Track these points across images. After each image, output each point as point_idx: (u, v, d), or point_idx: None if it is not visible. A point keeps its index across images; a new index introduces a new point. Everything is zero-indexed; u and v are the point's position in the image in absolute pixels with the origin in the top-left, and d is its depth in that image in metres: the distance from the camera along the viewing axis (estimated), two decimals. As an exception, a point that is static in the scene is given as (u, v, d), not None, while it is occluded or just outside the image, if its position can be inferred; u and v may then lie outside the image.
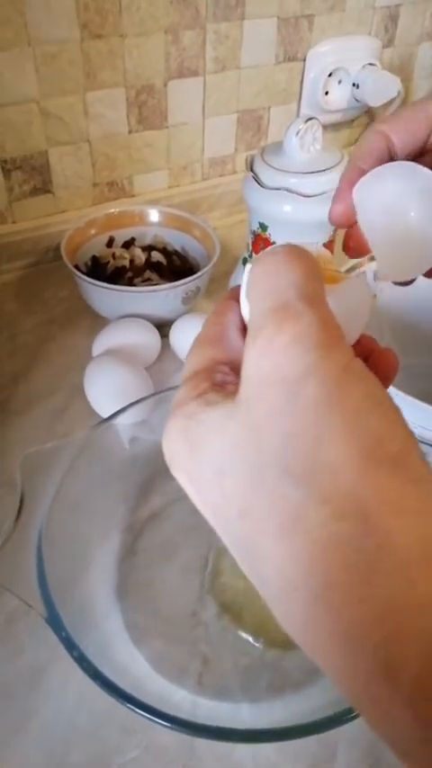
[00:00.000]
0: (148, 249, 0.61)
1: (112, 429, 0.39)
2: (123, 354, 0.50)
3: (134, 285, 0.60)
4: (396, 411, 0.16)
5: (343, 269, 0.49)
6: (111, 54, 0.57)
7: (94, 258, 0.59)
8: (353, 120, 0.78)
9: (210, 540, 0.40)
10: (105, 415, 0.42)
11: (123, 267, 0.61)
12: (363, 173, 0.24)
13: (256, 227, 0.54)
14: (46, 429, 0.48)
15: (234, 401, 0.16)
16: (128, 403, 0.39)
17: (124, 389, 0.46)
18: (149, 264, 0.62)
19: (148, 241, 0.61)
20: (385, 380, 0.20)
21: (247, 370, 0.16)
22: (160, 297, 0.53)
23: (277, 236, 0.53)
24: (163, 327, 0.53)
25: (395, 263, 0.24)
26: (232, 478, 0.16)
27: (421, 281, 0.26)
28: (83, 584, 0.35)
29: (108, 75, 0.58)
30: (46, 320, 0.58)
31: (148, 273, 0.62)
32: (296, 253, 0.18)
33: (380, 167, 0.24)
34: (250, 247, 0.56)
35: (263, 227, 0.53)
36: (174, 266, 0.61)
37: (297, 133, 0.49)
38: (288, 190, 0.50)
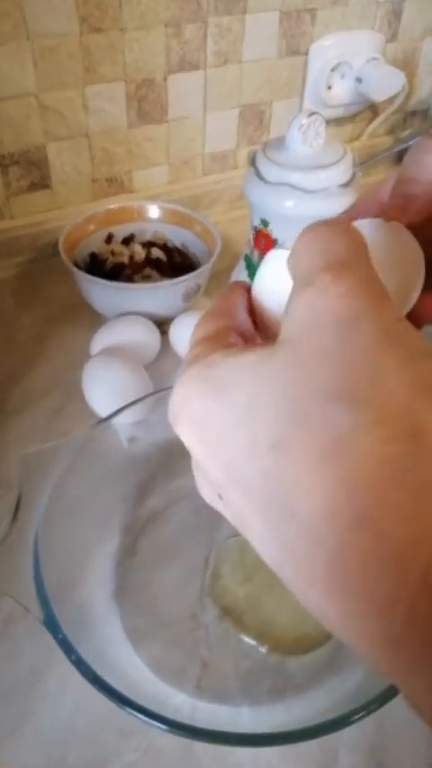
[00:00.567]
0: (148, 245, 0.61)
1: (110, 429, 0.38)
2: (122, 353, 0.49)
3: (133, 282, 0.59)
4: None
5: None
6: (111, 48, 0.57)
7: (93, 255, 0.58)
8: (356, 115, 0.77)
9: (210, 541, 0.39)
10: (104, 414, 0.42)
11: (122, 264, 0.60)
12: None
13: (257, 222, 0.53)
14: (43, 428, 0.48)
15: (267, 348, 0.17)
16: (127, 402, 0.39)
17: (123, 389, 0.45)
18: (149, 261, 0.61)
19: (147, 237, 0.61)
20: None
21: (294, 316, 0.17)
22: (160, 294, 0.52)
23: (279, 232, 0.52)
24: (163, 325, 0.53)
25: None
26: (264, 413, 0.16)
27: None
28: (81, 586, 0.35)
29: (108, 68, 0.58)
30: (44, 318, 0.58)
31: (147, 270, 0.61)
32: (348, 225, 0.19)
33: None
34: (252, 243, 0.55)
35: (264, 222, 0.53)
36: (174, 263, 0.61)
37: (299, 128, 0.49)
38: (290, 185, 0.49)
